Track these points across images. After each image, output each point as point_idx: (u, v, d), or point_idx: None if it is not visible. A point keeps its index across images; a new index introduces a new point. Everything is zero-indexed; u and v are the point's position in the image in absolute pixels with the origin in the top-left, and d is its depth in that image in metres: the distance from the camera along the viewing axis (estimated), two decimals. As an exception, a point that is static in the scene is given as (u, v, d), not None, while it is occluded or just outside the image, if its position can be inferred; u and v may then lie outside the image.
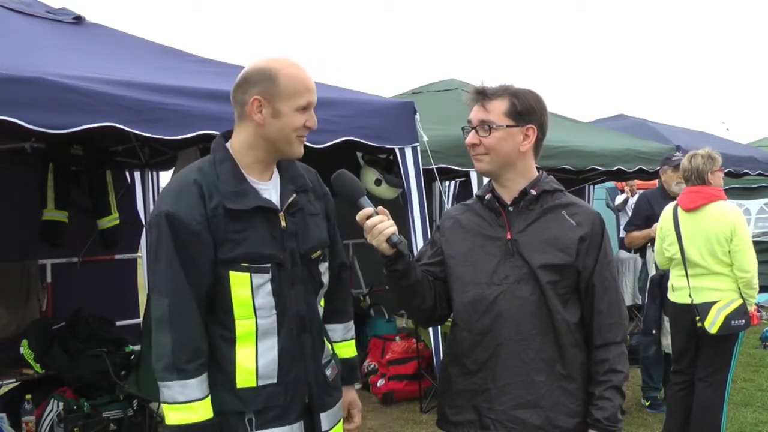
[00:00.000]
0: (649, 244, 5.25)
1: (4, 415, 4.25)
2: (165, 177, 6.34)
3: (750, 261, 3.93)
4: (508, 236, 1.98)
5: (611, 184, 9.89)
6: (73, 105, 3.11)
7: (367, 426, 5.04)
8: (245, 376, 1.89)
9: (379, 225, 1.85)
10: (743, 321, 3.94)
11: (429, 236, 3.63)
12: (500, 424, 1.93)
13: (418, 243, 4.47)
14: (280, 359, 1.92)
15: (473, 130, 1.99)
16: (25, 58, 3.37)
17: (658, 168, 5.50)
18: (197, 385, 1.82)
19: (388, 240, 1.85)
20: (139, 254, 6.26)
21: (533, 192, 2.00)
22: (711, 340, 3.99)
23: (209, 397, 1.85)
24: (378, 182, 4.83)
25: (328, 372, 2.06)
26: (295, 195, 1.98)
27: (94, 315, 4.95)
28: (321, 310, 2.10)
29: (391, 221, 1.87)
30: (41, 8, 4.46)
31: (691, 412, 4.15)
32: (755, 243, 4.40)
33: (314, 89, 1.93)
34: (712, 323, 3.91)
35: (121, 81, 3.36)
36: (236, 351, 1.89)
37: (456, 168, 5.25)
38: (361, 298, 7.29)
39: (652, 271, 5.03)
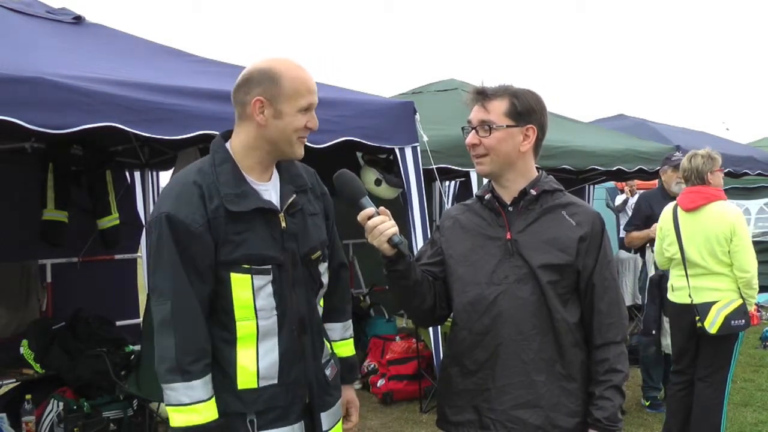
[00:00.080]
0: (648, 245, 5.25)
1: (4, 415, 4.26)
2: (165, 177, 6.35)
3: (750, 261, 3.93)
4: (508, 236, 1.98)
5: (611, 184, 9.90)
6: (73, 105, 3.11)
7: (367, 426, 5.04)
8: (246, 378, 1.89)
9: (381, 225, 1.84)
10: (743, 321, 3.94)
11: (429, 236, 3.63)
12: (500, 424, 1.93)
13: (418, 243, 4.47)
14: (281, 360, 1.92)
15: (473, 131, 1.99)
16: (25, 58, 3.37)
17: (658, 168, 5.50)
18: (202, 386, 1.82)
19: (389, 240, 1.85)
20: (139, 254, 6.26)
21: (533, 192, 2.00)
22: (711, 340, 3.99)
23: (214, 398, 1.84)
24: (378, 182, 4.83)
25: (327, 372, 2.07)
26: (294, 195, 1.98)
27: (94, 315, 4.95)
28: (320, 310, 2.10)
29: (393, 222, 1.87)
30: (41, 8, 4.46)
31: (691, 412, 4.15)
32: (755, 243, 4.41)
33: (316, 90, 1.93)
34: (712, 323, 3.91)
35: (121, 81, 3.36)
36: (237, 352, 1.88)
37: (456, 168, 5.25)
38: (361, 298, 7.29)
39: (652, 272, 5.03)
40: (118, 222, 5.31)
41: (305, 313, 1.98)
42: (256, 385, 1.89)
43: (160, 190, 5.94)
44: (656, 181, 5.73)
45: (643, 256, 5.74)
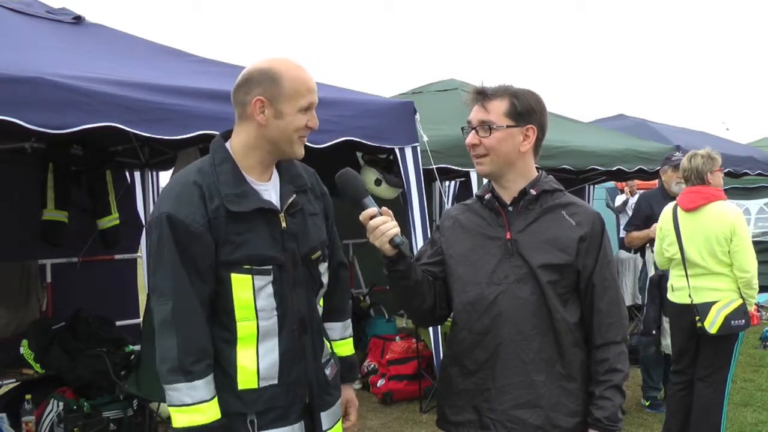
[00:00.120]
0: (648, 245, 5.25)
1: (4, 415, 4.26)
2: (165, 177, 6.35)
3: (750, 261, 3.93)
4: (508, 236, 1.98)
5: (611, 184, 9.90)
6: (73, 105, 3.11)
7: (367, 426, 5.04)
8: (247, 378, 1.89)
9: (383, 226, 1.84)
10: (743, 321, 3.94)
11: (429, 236, 3.63)
12: (500, 424, 1.93)
13: (418, 243, 4.47)
14: (282, 360, 1.92)
15: (473, 131, 1.99)
16: (25, 58, 3.37)
17: (658, 168, 5.50)
18: (204, 386, 1.81)
19: (391, 241, 1.85)
20: (139, 254, 6.26)
21: (533, 192, 1.99)
22: (711, 340, 3.99)
23: (216, 398, 1.84)
24: (378, 182, 4.83)
25: (327, 371, 2.07)
26: (294, 195, 1.98)
27: (94, 315, 4.95)
28: (320, 310, 2.10)
29: (395, 222, 1.87)
30: (41, 8, 4.46)
31: (691, 412, 4.15)
32: (755, 243, 4.40)
33: (316, 90, 1.93)
34: (712, 323, 3.91)
35: (121, 81, 3.36)
36: (237, 353, 1.88)
37: (456, 168, 5.25)
38: (361, 297, 7.29)
39: (652, 272, 5.03)
40: (118, 222, 5.31)
41: (305, 313, 1.98)
42: (256, 386, 1.89)
43: (160, 190, 5.94)
44: (656, 181, 5.73)
45: (643, 256, 5.74)
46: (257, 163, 1.93)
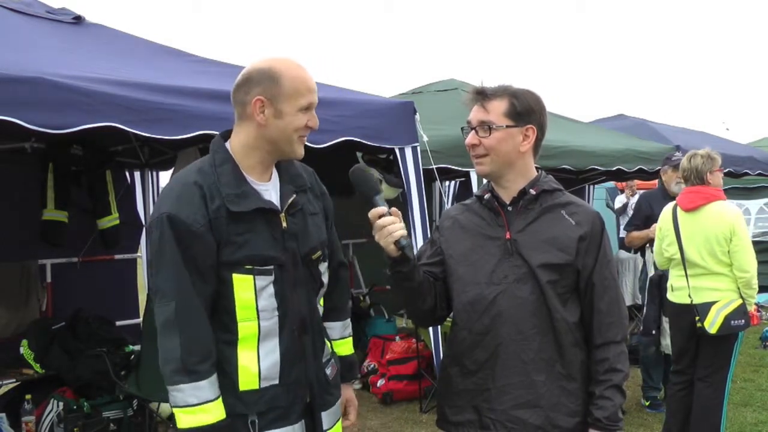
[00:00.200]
0: (648, 245, 5.25)
1: (4, 415, 4.26)
2: (165, 177, 6.35)
3: (749, 261, 3.93)
4: (508, 236, 1.98)
5: (611, 184, 9.90)
6: (73, 105, 3.11)
7: (367, 426, 5.04)
8: (248, 379, 1.88)
9: (390, 226, 1.84)
10: (743, 321, 3.94)
11: (429, 236, 3.63)
12: (500, 424, 1.93)
13: (418, 243, 4.47)
14: (282, 361, 1.92)
15: (473, 131, 1.99)
16: (25, 58, 3.37)
17: (658, 168, 5.50)
18: (209, 386, 1.81)
19: (397, 242, 1.85)
20: (139, 254, 6.26)
21: (532, 191, 1.99)
22: (711, 340, 3.99)
23: (221, 398, 1.84)
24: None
25: (328, 371, 2.07)
26: (295, 195, 1.97)
27: (94, 315, 4.95)
28: (321, 310, 2.10)
29: (402, 224, 1.87)
30: (41, 8, 4.47)
31: (691, 412, 4.15)
32: (755, 243, 4.41)
33: (316, 89, 1.93)
34: (712, 323, 3.91)
35: (121, 81, 3.36)
36: (238, 353, 1.88)
37: (456, 168, 5.25)
38: (361, 297, 7.29)
39: (652, 272, 5.03)
40: (118, 222, 5.31)
41: (306, 313, 1.98)
42: (257, 386, 1.89)
43: (160, 190, 5.95)
44: (656, 181, 5.73)
45: (643, 256, 5.74)
46: (257, 163, 1.93)
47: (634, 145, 6.73)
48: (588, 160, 6.16)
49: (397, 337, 5.96)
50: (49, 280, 5.24)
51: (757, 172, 7.83)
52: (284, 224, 1.93)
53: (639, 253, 6.48)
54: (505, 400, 1.93)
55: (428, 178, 5.00)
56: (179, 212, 1.80)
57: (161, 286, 1.82)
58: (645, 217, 5.15)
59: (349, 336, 2.28)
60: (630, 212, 7.81)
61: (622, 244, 7.64)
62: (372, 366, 5.85)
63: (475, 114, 1.99)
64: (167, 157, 5.70)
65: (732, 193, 9.16)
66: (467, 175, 5.48)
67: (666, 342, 4.78)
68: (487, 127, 1.95)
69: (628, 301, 7.21)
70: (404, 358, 5.69)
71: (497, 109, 1.95)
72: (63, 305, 5.16)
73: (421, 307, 2.04)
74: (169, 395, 1.82)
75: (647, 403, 5.31)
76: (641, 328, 5.13)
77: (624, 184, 9.40)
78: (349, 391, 2.24)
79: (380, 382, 5.65)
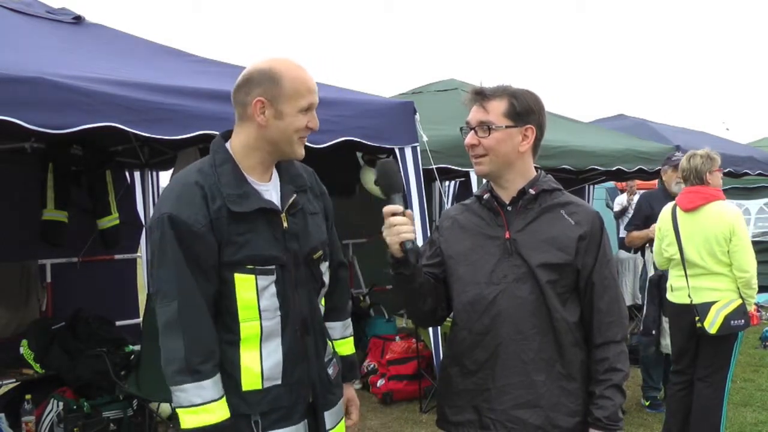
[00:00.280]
0: (648, 245, 5.25)
1: (3, 415, 4.26)
2: (165, 177, 6.36)
3: (749, 261, 3.93)
4: (507, 235, 1.98)
5: (611, 184, 9.90)
6: (73, 105, 3.11)
7: (367, 426, 5.05)
8: (251, 379, 1.88)
9: (400, 227, 1.84)
10: (743, 321, 3.94)
11: (429, 236, 3.63)
12: (500, 424, 1.93)
13: (418, 243, 4.47)
14: (285, 361, 1.92)
15: (472, 131, 1.99)
16: (25, 58, 3.37)
17: (658, 168, 5.50)
18: (213, 385, 1.81)
19: (402, 244, 1.85)
20: (139, 254, 6.27)
21: (532, 191, 1.99)
22: (710, 340, 3.99)
23: (225, 397, 1.84)
24: (378, 182, 4.83)
25: (330, 370, 2.07)
26: (295, 195, 1.98)
27: (94, 315, 4.96)
28: (322, 309, 2.10)
29: (412, 228, 1.87)
30: (41, 8, 4.47)
31: (691, 412, 4.15)
32: (755, 243, 4.41)
33: (316, 90, 1.93)
34: (712, 323, 3.91)
35: (121, 81, 3.36)
36: (240, 354, 1.88)
37: (456, 168, 5.25)
38: (361, 297, 7.29)
39: (652, 272, 5.03)
40: (118, 222, 5.31)
41: (308, 313, 1.98)
42: (260, 387, 1.89)
43: (160, 190, 5.96)
44: (656, 181, 5.73)
45: (643, 256, 5.74)
46: (258, 163, 1.93)
47: (634, 145, 6.73)
48: (588, 160, 6.16)
49: (397, 337, 5.96)
50: (49, 280, 5.25)
51: (757, 172, 7.83)
52: (285, 224, 1.93)
53: (639, 253, 6.48)
54: (505, 400, 1.93)
55: (428, 178, 5.00)
56: (180, 212, 1.80)
57: (163, 286, 1.82)
58: (645, 217, 5.15)
59: (350, 336, 2.28)
60: (629, 215, 7.82)
61: (622, 244, 7.64)
62: (372, 366, 5.85)
63: (475, 114, 1.99)
64: (167, 157, 5.70)
65: (732, 193, 9.16)
66: (467, 175, 5.48)
67: (666, 342, 4.78)
68: (486, 127, 1.95)
69: (628, 301, 7.21)
70: (404, 358, 5.70)
71: (496, 109, 1.95)
72: (63, 305, 5.16)
73: (422, 308, 2.04)
74: (173, 395, 1.81)
75: (647, 403, 5.31)
76: (641, 328, 5.12)
77: (624, 184, 9.40)
78: (350, 391, 2.24)
79: (380, 382, 5.65)
